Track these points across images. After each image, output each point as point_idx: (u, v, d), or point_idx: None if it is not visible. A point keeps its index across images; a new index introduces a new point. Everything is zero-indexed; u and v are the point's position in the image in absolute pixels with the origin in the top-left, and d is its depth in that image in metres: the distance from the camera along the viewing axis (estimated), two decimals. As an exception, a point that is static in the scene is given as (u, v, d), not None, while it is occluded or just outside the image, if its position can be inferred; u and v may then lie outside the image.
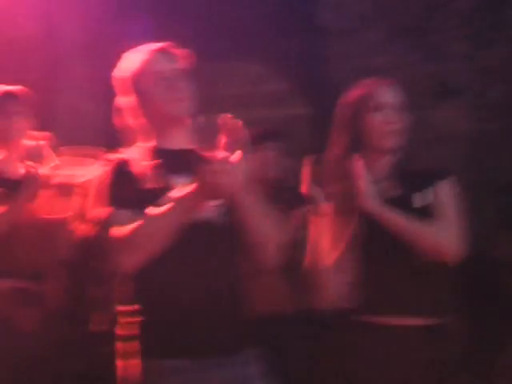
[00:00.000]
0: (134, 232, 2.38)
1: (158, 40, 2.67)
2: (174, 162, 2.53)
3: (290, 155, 4.13)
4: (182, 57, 2.60)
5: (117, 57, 2.70)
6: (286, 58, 5.73)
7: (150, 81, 2.55)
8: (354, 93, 2.94)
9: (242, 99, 5.55)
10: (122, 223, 2.40)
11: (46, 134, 4.07)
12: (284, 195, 3.98)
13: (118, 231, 2.40)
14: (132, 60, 2.62)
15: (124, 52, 2.70)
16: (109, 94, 2.72)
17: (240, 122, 2.43)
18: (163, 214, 2.38)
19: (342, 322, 2.82)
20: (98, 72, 5.56)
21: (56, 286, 3.48)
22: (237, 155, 2.37)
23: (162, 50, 2.60)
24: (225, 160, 2.35)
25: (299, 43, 5.79)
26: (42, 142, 3.41)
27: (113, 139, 2.70)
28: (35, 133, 3.47)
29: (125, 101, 2.63)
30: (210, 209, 2.48)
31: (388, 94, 2.91)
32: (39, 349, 3.32)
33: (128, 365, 2.49)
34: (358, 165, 2.79)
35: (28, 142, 3.85)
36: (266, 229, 2.54)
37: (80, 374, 3.65)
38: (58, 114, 5.54)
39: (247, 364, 2.52)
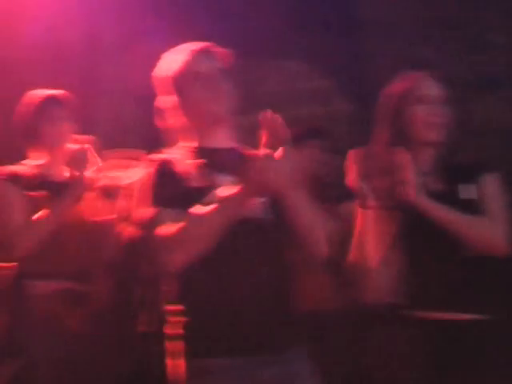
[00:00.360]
0: (181, 231, 2.38)
1: (195, 39, 2.67)
2: (216, 160, 2.54)
3: (332, 152, 4.12)
4: (222, 56, 2.60)
5: (156, 58, 2.71)
6: (325, 54, 5.70)
7: (190, 81, 2.57)
8: (396, 85, 2.93)
9: (282, 97, 5.54)
10: (168, 222, 2.41)
11: (89, 137, 4.11)
12: (328, 192, 3.97)
13: (164, 230, 2.40)
14: (172, 60, 2.64)
15: (163, 52, 2.71)
16: (149, 95, 2.73)
17: (280, 119, 2.43)
18: (210, 213, 2.38)
19: (387, 317, 2.80)
20: (138, 74, 5.60)
21: (102, 287, 3.50)
22: (280, 152, 2.37)
23: (202, 50, 2.61)
24: (269, 157, 2.35)
25: (339, 38, 5.75)
26: (85, 146, 3.43)
27: (154, 141, 2.71)
28: (78, 136, 3.49)
29: (165, 101, 2.65)
30: (256, 206, 2.48)
31: (431, 87, 2.89)
32: (86, 349, 3.34)
33: (176, 364, 2.49)
34: (404, 157, 2.77)
35: (72, 146, 3.88)
36: (313, 225, 2.54)
37: (127, 374, 3.67)
38: (98, 117, 5.57)
39: (296, 362, 2.51)
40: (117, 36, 5.68)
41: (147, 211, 2.47)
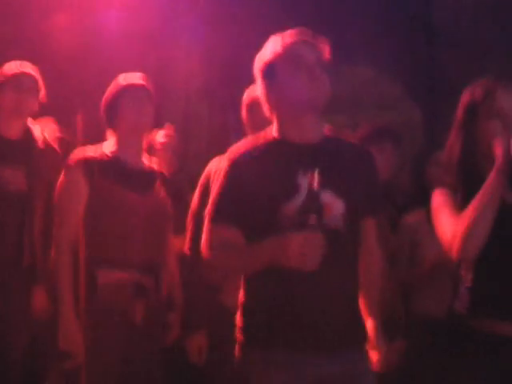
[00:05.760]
0: (225, 259, 2.52)
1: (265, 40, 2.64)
2: (302, 156, 2.51)
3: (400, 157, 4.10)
4: (322, 47, 2.55)
5: (229, 51, 2.68)
6: (398, 61, 5.68)
7: (289, 66, 2.52)
8: (471, 95, 2.72)
9: (354, 102, 5.53)
10: (220, 242, 2.49)
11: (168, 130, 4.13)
12: (396, 198, 3.96)
13: (213, 250, 2.50)
14: (272, 45, 2.58)
15: (237, 46, 2.67)
16: (219, 91, 2.74)
17: None
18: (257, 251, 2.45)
19: (456, 327, 2.68)
20: (210, 70, 5.66)
21: (169, 281, 3.52)
22: None
23: (305, 37, 2.56)
24: None
25: (412, 45, 5.73)
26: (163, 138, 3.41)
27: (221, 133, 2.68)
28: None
29: (260, 88, 2.60)
30: (337, 217, 2.48)
31: (506, 99, 2.66)
32: (147, 342, 3.35)
33: (238, 355, 2.54)
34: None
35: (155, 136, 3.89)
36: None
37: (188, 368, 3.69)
38: (169, 112, 5.63)
39: (356, 362, 2.52)
40: (190, 29, 5.74)
41: (207, 224, 2.54)
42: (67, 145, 4.19)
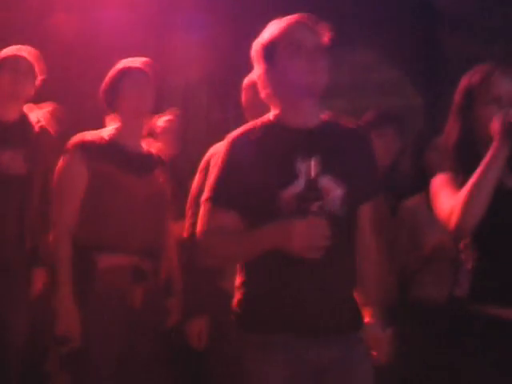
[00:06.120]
0: (219, 244, 2.49)
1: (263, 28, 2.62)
2: (300, 141, 2.49)
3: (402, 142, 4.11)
4: (323, 32, 2.54)
5: (225, 41, 2.69)
6: (398, 46, 5.68)
7: (288, 49, 2.50)
8: (470, 80, 2.70)
9: (354, 87, 5.53)
10: (216, 225, 2.47)
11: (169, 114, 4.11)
12: (396, 183, 3.95)
13: (209, 233, 2.48)
14: (272, 28, 2.57)
15: (235, 37, 2.68)
16: (218, 79, 2.73)
17: None
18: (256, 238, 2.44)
19: (457, 312, 2.66)
20: (210, 57, 5.66)
21: (168, 266, 3.53)
22: None
23: (305, 21, 2.55)
24: None
25: (413, 30, 5.72)
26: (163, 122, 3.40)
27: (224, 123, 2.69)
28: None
29: (259, 71, 2.58)
30: (336, 202, 2.46)
31: (506, 85, 2.64)
32: (146, 327, 3.36)
33: (237, 337, 2.54)
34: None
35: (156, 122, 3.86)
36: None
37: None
38: (168, 99, 5.62)
39: (353, 346, 2.52)
40: (190, 16, 5.74)
41: (204, 207, 2.51)
42: (62, 123, 4.20)
